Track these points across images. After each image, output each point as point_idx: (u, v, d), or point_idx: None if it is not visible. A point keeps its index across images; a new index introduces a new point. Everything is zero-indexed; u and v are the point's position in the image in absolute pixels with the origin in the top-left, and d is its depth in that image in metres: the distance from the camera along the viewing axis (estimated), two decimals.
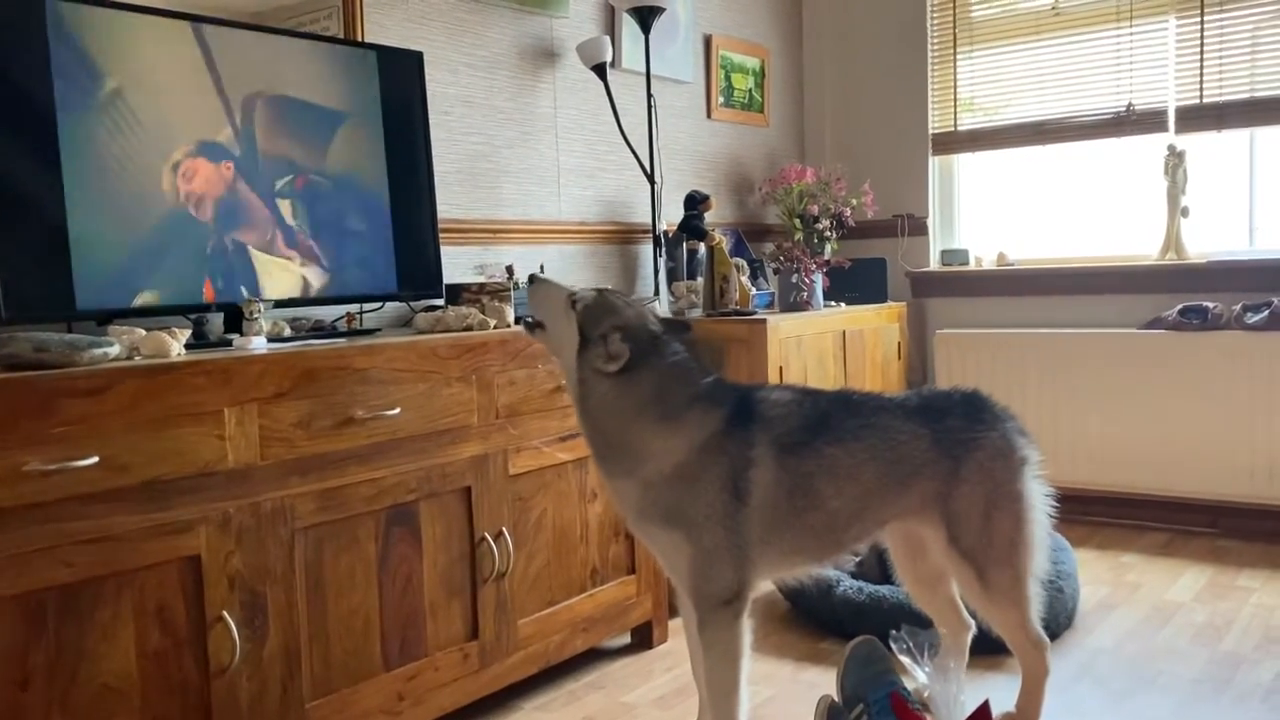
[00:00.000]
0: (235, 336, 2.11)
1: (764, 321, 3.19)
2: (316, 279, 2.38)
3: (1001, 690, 2.29)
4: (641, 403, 1.83)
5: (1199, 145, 3.69)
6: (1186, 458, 3.58)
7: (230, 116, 2.20)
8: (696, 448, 1.82)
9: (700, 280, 3.51)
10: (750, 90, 4.20)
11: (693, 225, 3.59)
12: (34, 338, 1.66)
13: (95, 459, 1.63)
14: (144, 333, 1.88)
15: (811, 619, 2.84)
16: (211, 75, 2.17)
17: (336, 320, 2.51)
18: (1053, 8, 3.91)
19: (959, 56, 4.14)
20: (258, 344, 2.07)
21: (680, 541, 1.83)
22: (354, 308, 2.58)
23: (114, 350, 1.77)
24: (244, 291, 2.21)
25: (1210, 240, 3.72)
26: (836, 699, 2.10)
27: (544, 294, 1.90)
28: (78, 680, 1.64)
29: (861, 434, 1.93)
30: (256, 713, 1.86)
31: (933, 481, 1.97)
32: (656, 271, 3.46)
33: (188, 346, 1.99)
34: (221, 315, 2.27)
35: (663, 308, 3.44)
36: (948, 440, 1.97)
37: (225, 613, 1.81)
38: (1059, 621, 2.71)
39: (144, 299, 2.06)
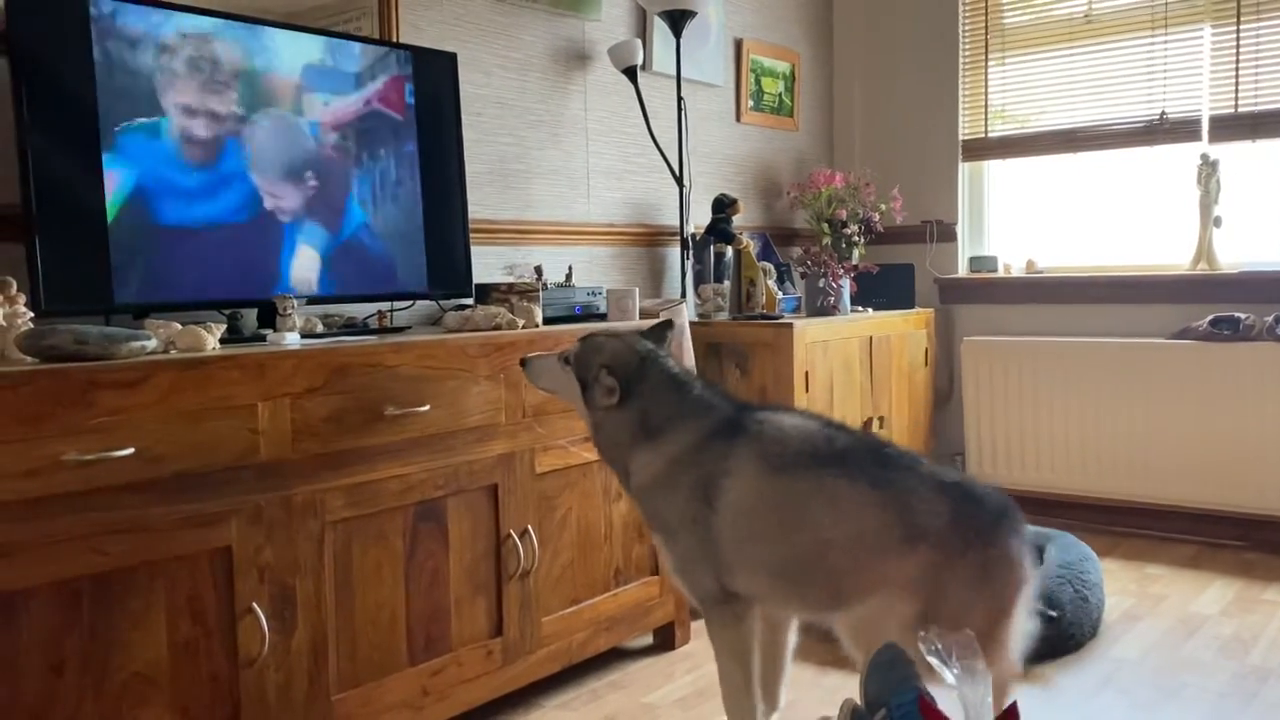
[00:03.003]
0: (269, 332, 2.14)
1: (790, 325, 3.19)
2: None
3: (1026, 698, 2.29)
4: (634, 426, 1.94)
5: (1233, 155, 3.66)
6: (1216, 470, 3.54)
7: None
8: (671, 459, 1.90)
9: (727, 283, 3.51)
10: (780, 94, 4.21)
11: (720, 228, 3.60)
12: (74, 330, 1.69)
13: (131, 450, 1.66)
14: (180, 327, 1.91)
15: None
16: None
17: (368, 318, 2.54)
18: (1086, 15, 3.89)
19: (990, 63, 4.12)
20: (291, 339, 2.10)
21: (661, 545, 1.94)
22: (385, 305, 2.61)
23: (151, 344, 1.79)
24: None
25: (1243, 250, 3.68)
26: (859, 704, 2.10)
27: (540, 368, 2.04)
28: (110, 667, 1.67)
29: (880, 480, 1.84)
30: (284, 703, 1.89)
31: (935, 553, 1.82)
32: (683, 274, 3.47)
33: (222, 341, 2.02)
34: (255, 311, 2.30)
35: (689, 310, 3.45)
36: (967, 524, 1.83)
37: (255, 604, 1.84)
38: (1083, 631, 2.70)
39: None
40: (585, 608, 2.50)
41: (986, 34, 4.12)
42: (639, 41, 3.35)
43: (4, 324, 1.80)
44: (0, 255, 2.05)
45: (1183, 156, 3.74)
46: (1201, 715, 2.29)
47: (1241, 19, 3.58)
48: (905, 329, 3.83)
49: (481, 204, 3.02)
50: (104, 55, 1.98)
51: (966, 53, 4.18)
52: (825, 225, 3.86)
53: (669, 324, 2.07)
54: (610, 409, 1.94)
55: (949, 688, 1.64)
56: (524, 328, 2.45)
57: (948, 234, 4.24)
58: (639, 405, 1.93)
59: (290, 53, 2.28)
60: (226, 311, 2.24)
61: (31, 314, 1.85)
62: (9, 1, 1.88)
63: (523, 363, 2.06)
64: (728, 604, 1.88)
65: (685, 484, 1.88)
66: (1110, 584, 3.15)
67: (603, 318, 2.84)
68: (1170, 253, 3.83)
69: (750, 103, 4.05)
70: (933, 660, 1.97)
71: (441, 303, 2.73)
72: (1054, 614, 2.64)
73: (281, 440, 1.88)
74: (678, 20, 3.34)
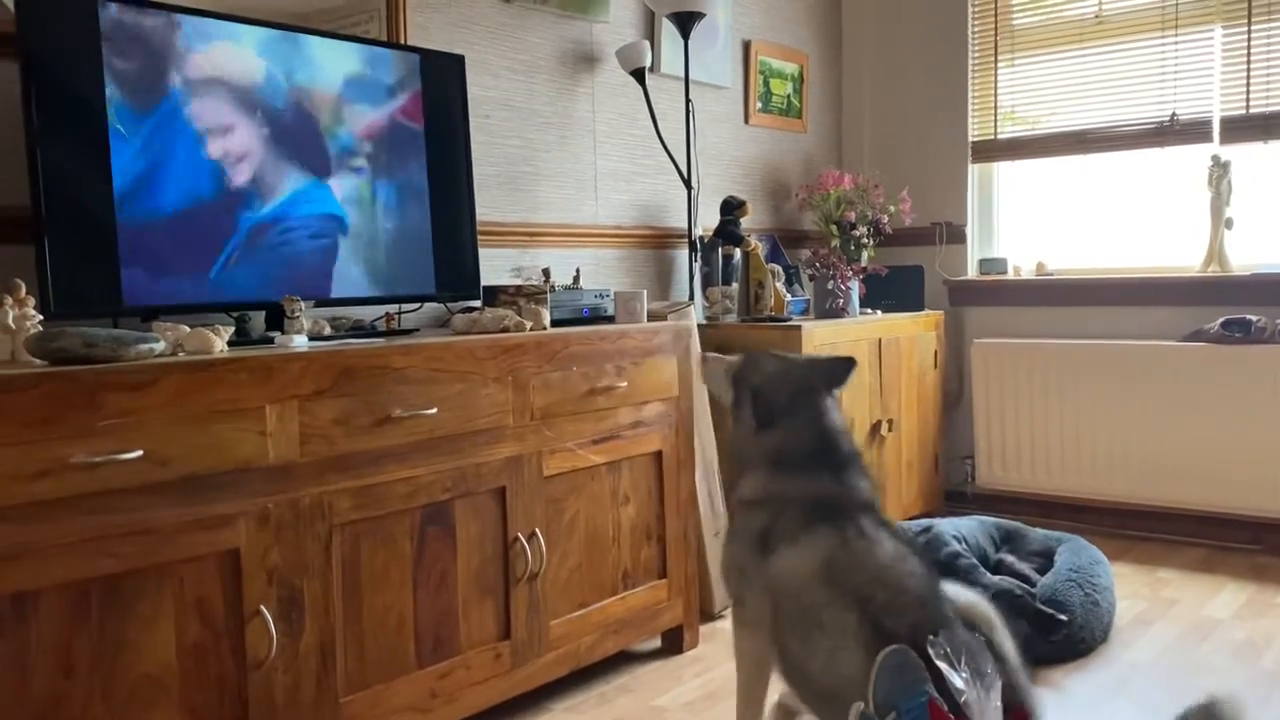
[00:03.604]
0: (276, 334, 2.14)
1: (799, 328, 3.18)
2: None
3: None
4: (765, 452, 1.94)
5: (1244, 156, 3.64)
6: (1227, 473, 3.52)
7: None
8: (770, 494, 1.90)
9: (735, 286, 3.51)
10: (789, 96, 4.20)
11: (728, 230, 3.59)
12: (83, 332, 1.70)
13: (139, 452, 1.66)
14: (188, 329, 1.91)
15: None
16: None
17: (375, 320, 2.54)
18: (1096, 16, 3.87)
19: (1000, 64, 4.11)
20: (299, 342, 2.10)
21: (722, 542, 1.99)
22: (393, 308, 2.61)
23: (159, 346, 1.80)
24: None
25: (1254, 252, 3.66)
26: (868, 708, 2.09)
27: (710, 371, 2.14)
28: (119, 669, 1.67)
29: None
30: (291, 706, 1.89)
31: None
32: (691, 276, 3.47)
33: (230, 344, 2.02)
34: (263, 313, 2.31)
35: (697, 313, 3.44)
36: None
37: (263, 607, 1.84)
38: (1094, 635, 2.68)
39: None
40: (593, 611, 2.50)
41: (996, 35, 4.11)
42: (647, 43, 3.35)
43: (13, 326, 1.80)
44: (9, 257, 2.06)
45: (1194, 158, 3.72)
46: None
47: (1253, 19, 3.56)
48: (914, 331, 3.82)
49: (489, 206, 3.02)
50: (113, 59, 1.98)
51: (976, 54, 4.17)
52: (834, 227, 3.85)
53: (851, 362, 2.02)
54: (751, 428, 1.98)
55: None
56: (532, 330, 2.44)
57: (957, 236, 4.23)
58: (778, 438, 1.93)
59: (323, 59, 2.28)
60: (234, 314, 2.24)
61: (40, 316, 1.85)
62: (19, 5, 1.89)
63: (704, 359, 2.16)
64: (749, 610, 1.88)
65: (762, 519, 1.87)
66: (1121, 588, 3.14)
67: (611, 320, 2.84)
68: (1181, 255, 3.81)
69: (759, 104, 4.05)
70: (941, 664, 1.96)
71: (449, 305, 2.73)
72: (1064, 618, 2.63)
73: (289, 443, 1.88)
74: (686, 22, 3.34)
